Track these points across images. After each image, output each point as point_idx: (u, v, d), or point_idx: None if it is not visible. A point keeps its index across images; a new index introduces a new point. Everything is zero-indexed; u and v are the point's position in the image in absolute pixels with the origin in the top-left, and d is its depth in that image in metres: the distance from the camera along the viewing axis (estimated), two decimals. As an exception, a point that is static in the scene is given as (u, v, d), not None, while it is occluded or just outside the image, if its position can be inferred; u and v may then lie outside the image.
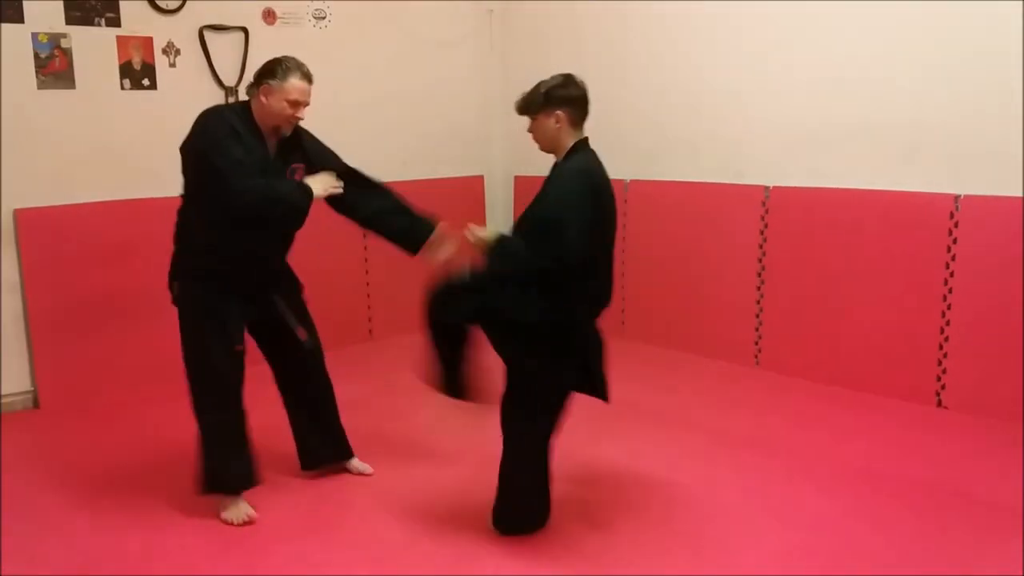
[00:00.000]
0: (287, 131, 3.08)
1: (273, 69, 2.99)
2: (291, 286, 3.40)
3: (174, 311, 4.56)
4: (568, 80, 2.88)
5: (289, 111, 3.00)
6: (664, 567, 2.76)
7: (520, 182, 5.91)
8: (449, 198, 5.80)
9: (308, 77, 3.03)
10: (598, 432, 3.79)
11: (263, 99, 2.99)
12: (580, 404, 3.62)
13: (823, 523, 3.01)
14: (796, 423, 3.95)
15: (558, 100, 2.83)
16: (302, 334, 3.32)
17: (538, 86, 2.87)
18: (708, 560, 2.80)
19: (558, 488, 3.12)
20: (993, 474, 3.36)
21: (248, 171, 2.92)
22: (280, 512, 3.17)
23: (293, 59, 3.03)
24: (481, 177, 6.01)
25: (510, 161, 6.06)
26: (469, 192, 5.96)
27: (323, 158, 3.25)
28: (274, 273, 3.32)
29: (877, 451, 3.61)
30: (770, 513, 3.09)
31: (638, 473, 3.46)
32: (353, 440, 3.54)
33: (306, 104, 3.05)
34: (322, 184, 3.06)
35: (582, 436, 3.79)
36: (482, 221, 5.99)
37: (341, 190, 3.11)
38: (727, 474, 3.43)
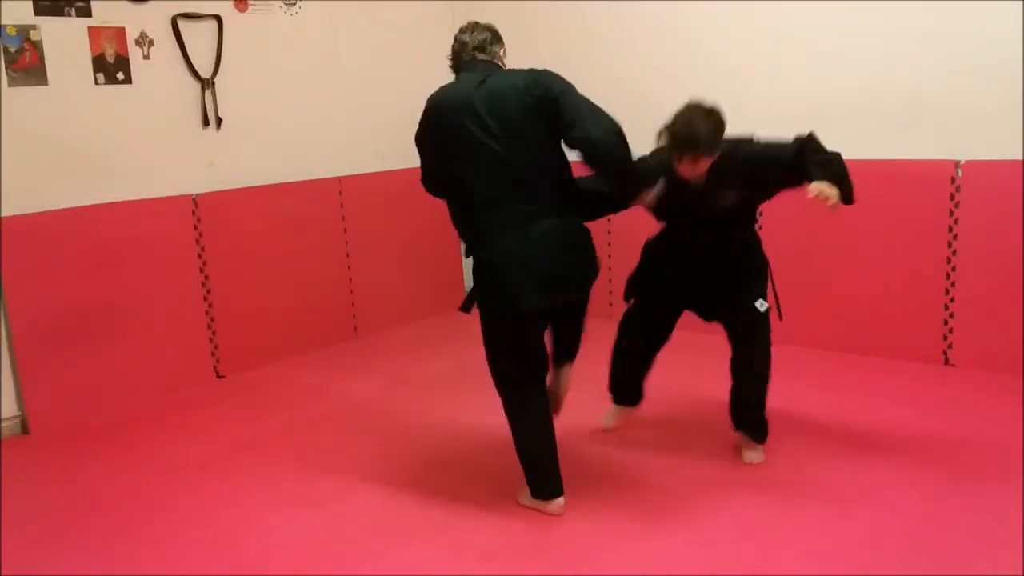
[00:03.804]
0: None
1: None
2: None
3: (169, 319, 4.37)
4: (715, 108, 3.07)
5: None
6: (678, 531, 2.77)
7: (491, 168, 5.81)
8: (423, 188, 5.66)
9: None
10: (599, 407, 3.76)
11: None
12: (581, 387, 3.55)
13: (850, 481, 3.08)
14: (803, 388, 4.01)
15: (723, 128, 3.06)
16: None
17: (702, 131, 2.98)
18: (730, 522, 2.83)
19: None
20: (1006, 422, 3.54)
21: None
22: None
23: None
24: (451, 165, 5.88)
25: (479, 147, 5.96)
26: (440, 181, 5.83)
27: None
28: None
29: (890, 407, 3.75)
30: (791, 482, 3.14)
31: (645, 448, 3.46)
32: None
33: None
34: None
35: (587, 408, 3.71)
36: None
37: None
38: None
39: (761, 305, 3.25)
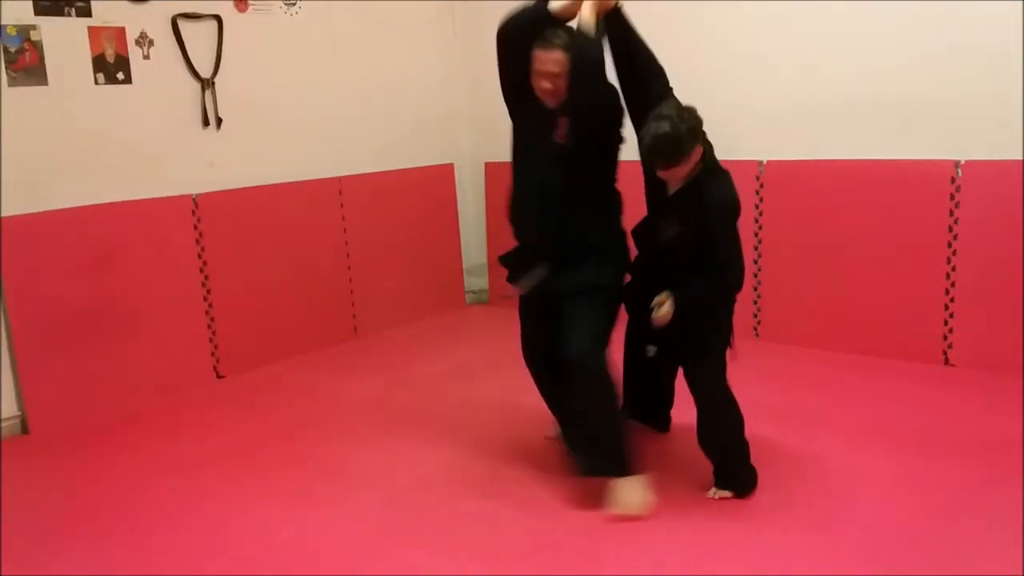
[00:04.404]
0: (551, 104, 2.97)
1: None
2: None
3: (169, 319, 4.38)
4: (690, 109, 2.84)
5: (535, 81, 2.95)
6: (678, 531, 2.77)
7: (491, 168, 5.81)
8: (422, 188, 5.69)
9: (545, 41, 2.89)
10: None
11: None
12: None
13: (851, 481, 3.09)
14: (803, 388, 4.01)
15: (697, 133, 2.82)
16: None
17: (676, 132, 2.74)
18: (729, 522, 2.83)
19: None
20: (1006, 422, 3.53)
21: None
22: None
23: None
24: (451, 165, 5.88)
25: (479, 148, 5.96)
26: (440, 181, 5.83)
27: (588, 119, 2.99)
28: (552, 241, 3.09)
29: (890, 407, 3.75)
30: (791, 481, 3.13)
31: (644, 447, 3.40)
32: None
33: (553, 73, 2.88)
34: None
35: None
36: (454, 210, 5.89)
37: None
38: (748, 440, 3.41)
39: (650, 350, 3.10)
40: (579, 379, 2.97)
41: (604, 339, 3.01)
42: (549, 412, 3.42)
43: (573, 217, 3.02)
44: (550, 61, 2.89)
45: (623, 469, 2.97)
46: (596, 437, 3.02)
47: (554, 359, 3.07)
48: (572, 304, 3.01)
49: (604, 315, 3.04)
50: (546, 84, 2.92)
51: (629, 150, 3.12)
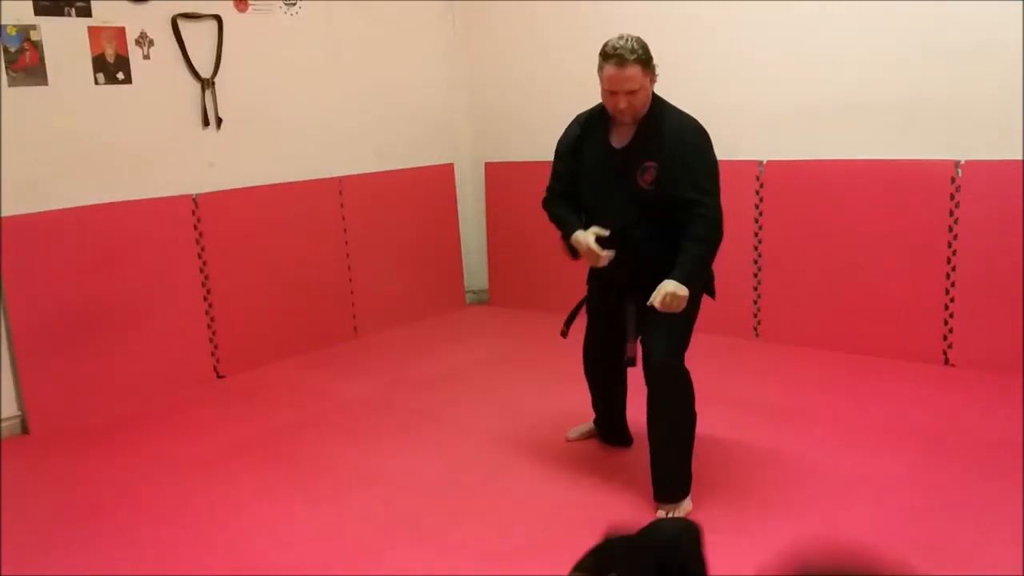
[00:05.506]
0: (624, 120, 2.86)
1: (601, 50, 2.77)
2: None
3: (169, 319, 4.37)
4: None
5: (610, 101, 2.79)
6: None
7: (491, 168, 5.81)
8: (422, 188, 5.69)
9: (619, 58, 2.71)
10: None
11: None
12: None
13: (851, 481, 3.08)
14: (803, 388, 4.01)
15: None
16: (630, 350, 2.93)
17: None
18: (728, 521, 2.82)
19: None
20: (1006, 422, 3.53)
21: (558, 189, 3.04)
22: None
23: (617, 38, 2.77)
24: (451, 165, 5.88)
25: (479, 148, 5.96)
26: (440, 181, 5.83)
27: (676, 167, 2.82)
28: (630, 274, 2.96)
29: (890, 407, 3.75)
30: (790, 481, 3.13)
31: (641, 445, 3.40)
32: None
33: (628, 91, 2.74)
34: (585, 243, 2.88)
35: (569, 407, 3.69)
36: (454, 210, 5.88)
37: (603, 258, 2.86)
38: (749, 440, 3.44)
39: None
40: (659, 387, 2.94)
41: (684, 348, 2.99)
42: (550, 412, 3.42)
43: (652, 255, 2.90)
44: (626, 80, 2.75)
45: (687, 490, 2.96)
46: (670, 445, 2.95)
47: (617, 363, 3.11)
48: (655, 315, 2.87)
49: (686, 326, 2.97)
50: (623, 104, 2.79)
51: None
